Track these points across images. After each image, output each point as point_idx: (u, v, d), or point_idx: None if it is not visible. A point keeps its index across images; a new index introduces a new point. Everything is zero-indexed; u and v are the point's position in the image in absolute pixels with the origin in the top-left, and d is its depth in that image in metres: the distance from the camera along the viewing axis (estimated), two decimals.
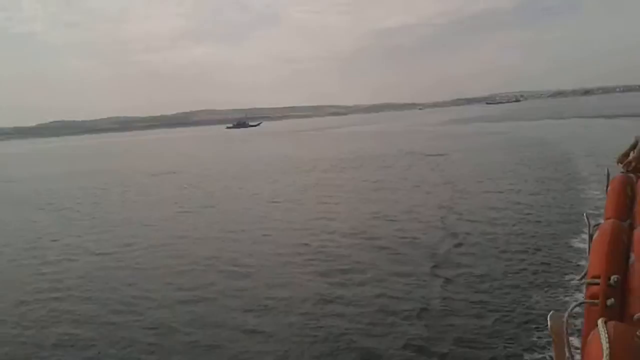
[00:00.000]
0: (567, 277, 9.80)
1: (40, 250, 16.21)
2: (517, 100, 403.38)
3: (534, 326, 7.84)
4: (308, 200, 22.42)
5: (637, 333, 1.93)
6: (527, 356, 7.05)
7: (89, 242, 16.75)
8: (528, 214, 15.82)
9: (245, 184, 29.06)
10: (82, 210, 23.89)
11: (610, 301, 2.34)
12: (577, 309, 2.51)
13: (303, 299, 10.00)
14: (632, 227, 3.32)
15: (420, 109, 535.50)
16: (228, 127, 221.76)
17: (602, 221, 3.54)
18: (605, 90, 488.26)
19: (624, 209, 3.99)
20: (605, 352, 1.78)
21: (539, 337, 7.42)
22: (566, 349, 2.31)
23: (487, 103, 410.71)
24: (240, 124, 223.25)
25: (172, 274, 12.44)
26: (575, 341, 2.44)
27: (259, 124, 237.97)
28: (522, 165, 27.59)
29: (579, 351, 2.48)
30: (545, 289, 9.42)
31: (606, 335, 1.86)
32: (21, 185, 39.14)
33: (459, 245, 12.95)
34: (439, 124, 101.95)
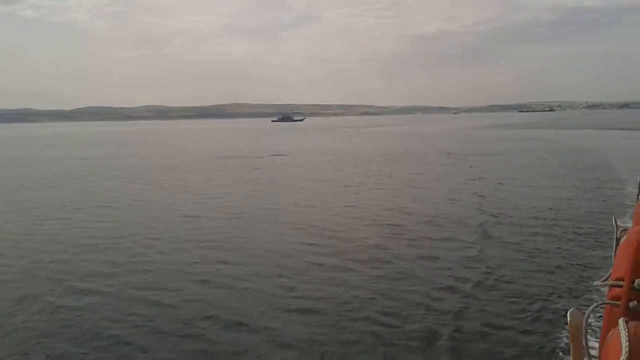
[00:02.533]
0: (585, 274, 10.67)
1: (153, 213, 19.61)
2: (552, 110, 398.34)
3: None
4: (381, 185, 25.57)
5: None
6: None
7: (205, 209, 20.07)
8: (560, 209, 18.06)
9: (320, 169, 32.81)
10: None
11: (632, 303, 2.35)
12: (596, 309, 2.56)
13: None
14: None
15: (454, 113, 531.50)
16: (273, 121, 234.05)
17: (630, 226, 3.55)
18: None
19: None
20: (625, 349, 1.80)
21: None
22: (584, 346, 2.36)
23: (520, 111, 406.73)
24: (285, 117, 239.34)
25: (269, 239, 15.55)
26: (591, 340, 2.49)
27: (302, 119, 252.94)
28: (559, 168, 29.95)
29: (596, 349, 2.56)
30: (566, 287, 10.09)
31: (626, 334, 1.88)
32: (95, 162, 42.98)
33: (496, 224, 15.83)
34: (475, 128, 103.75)
